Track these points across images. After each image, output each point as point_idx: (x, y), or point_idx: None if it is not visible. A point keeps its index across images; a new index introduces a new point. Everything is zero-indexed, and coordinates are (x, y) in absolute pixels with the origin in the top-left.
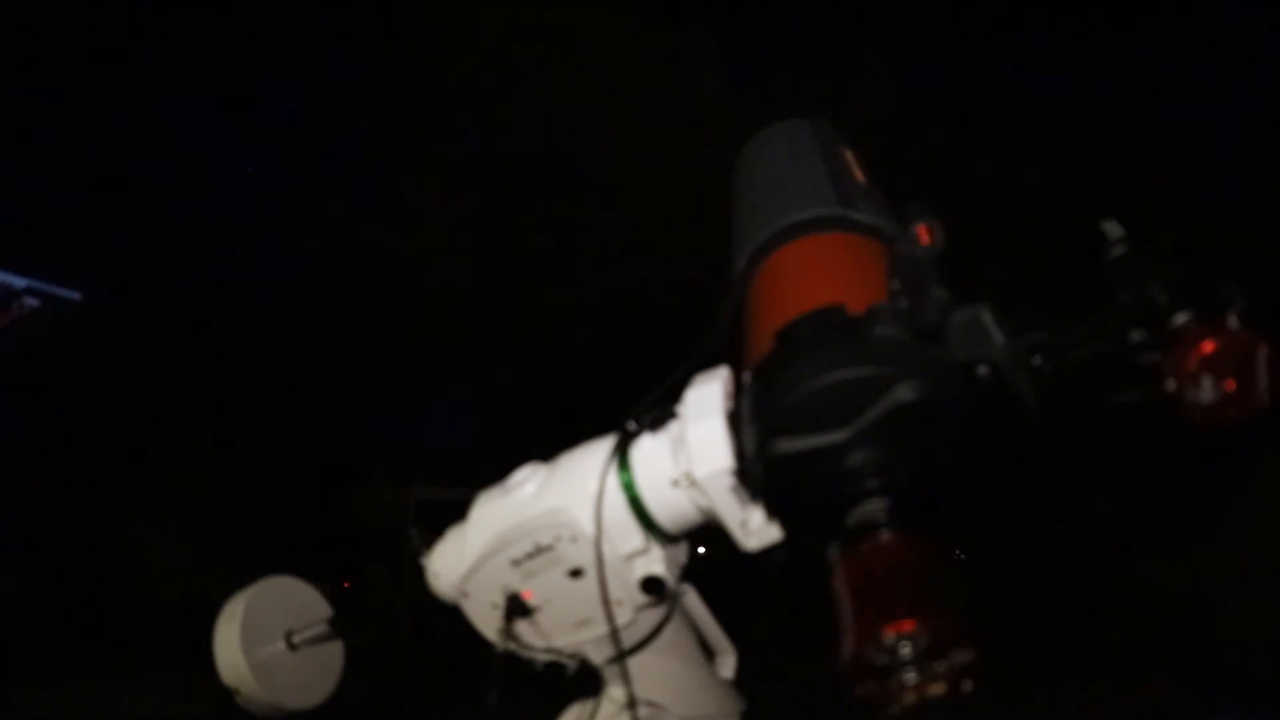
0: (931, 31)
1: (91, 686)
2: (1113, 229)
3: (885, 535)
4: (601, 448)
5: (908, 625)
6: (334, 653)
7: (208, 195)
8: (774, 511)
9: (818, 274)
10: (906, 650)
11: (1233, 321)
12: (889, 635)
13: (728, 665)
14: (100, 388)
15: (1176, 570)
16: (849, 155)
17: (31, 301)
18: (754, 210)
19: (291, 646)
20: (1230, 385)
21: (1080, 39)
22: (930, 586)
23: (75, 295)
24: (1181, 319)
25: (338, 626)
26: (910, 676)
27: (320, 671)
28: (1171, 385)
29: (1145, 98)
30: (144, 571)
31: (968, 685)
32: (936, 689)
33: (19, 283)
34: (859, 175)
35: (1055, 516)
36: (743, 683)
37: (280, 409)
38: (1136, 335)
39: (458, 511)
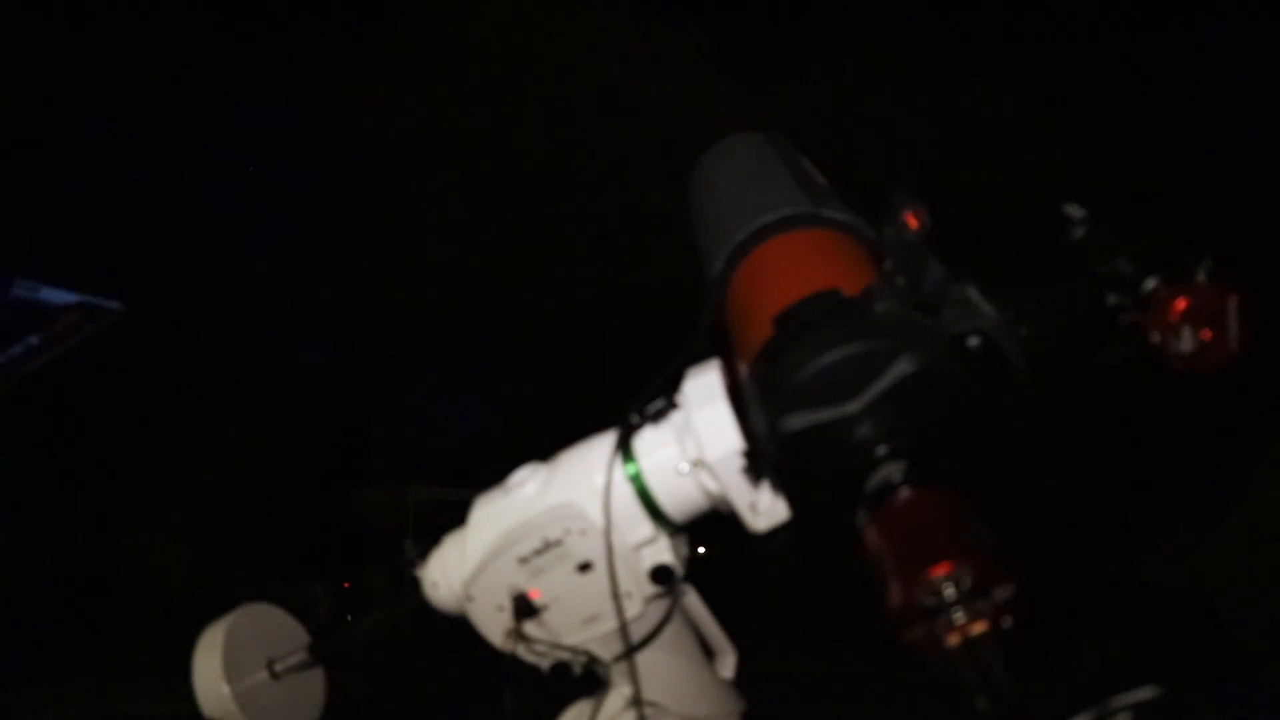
0: (931, 28)
1: (91, 686)
2: (1074, 210)
3: (908, 492)
4: (602, 443)
5: (949, 566)
6: (316, 679)
7: (209, 197)
8: (789, 488)
9: (805, 265)
10: (950, 591)
11: (1201, 278)
12: (935, 576)
13: (728, 665)
14: (99, 388)
15: (1177, 570)
16: (807, 162)
17: (76, 315)
18: (725, 214)
19: (274, 675)
20: (1206, 335)
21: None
22: (963, 529)
23: (116, 305)
24: (1151, 284)
25: (318, 653)
26: (958, 615)
27: (303, 698)
28: (1155, 338)
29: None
30: (144, 572)
31: (1008, 621)
32: (979, 627)
33: (69, 299)
34: (820, 179)
35: (1056, 516)
36: (743, 683)
37: (280, 409)
38: (1112, 299)
39: (457, 513)
